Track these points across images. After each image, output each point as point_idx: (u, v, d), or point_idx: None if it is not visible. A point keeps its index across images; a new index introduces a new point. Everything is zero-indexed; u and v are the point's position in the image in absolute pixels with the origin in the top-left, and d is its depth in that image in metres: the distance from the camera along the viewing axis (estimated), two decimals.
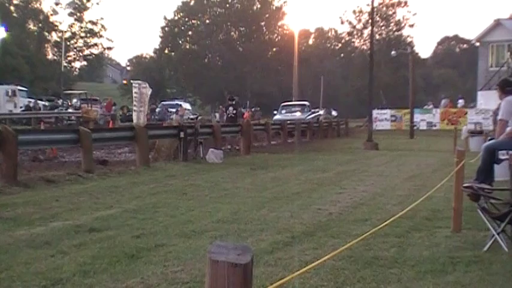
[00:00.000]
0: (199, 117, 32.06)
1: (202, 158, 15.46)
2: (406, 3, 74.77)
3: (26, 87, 43.65)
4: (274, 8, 73.03)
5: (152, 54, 76.82)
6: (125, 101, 57.09)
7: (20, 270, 4.61)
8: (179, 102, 46.07)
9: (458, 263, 4.98)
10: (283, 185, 10.48)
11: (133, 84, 24.62)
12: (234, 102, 21.01)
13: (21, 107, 37.98)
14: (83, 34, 69.74)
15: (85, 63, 73.59)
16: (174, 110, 40.23)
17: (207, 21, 73.80)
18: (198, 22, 73.95)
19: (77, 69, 73.94)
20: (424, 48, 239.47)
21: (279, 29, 73.33)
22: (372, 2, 25.91)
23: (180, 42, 74.52)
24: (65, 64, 65.30)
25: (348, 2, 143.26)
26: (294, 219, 6.91)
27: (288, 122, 25.86)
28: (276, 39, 72.69)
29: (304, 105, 33.55)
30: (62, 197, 8.42)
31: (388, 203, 8.27)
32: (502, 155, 6.67)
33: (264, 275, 4.51)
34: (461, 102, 41.57)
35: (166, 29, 73.33)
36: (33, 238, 5.72)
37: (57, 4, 65.96)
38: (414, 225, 6.60)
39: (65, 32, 66.41)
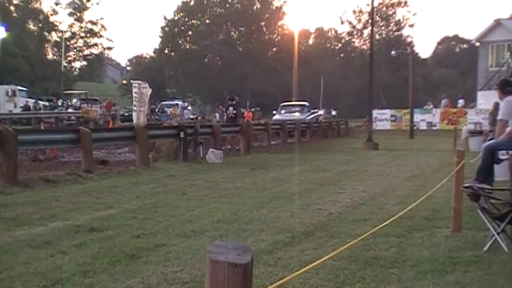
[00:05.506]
0: (199, 117, 32.08)
1: (202, 158, 15.46)
2: (406, 3, 74.99)
3: (26, 87, 43.69)
4: (274, 8, 73.03)
5: (152, 54, 76.94)
6: (125, 101, 57.15)
7: (20, 270, 4.61)
8: (179, 102, 46.22)
9: (458, 263, 4.98)
10: (283, 185, 10.48)
11: (133, 84, 24.66)
12: (234, 102, 21.00)
13: (20, 107, 38.03)
14: (83, 34, 69.79)
15: (85, 63, 73.59)
16: (170, 109, 40.68)
17: (207, 21, 73.79)
18: (198, 22, 73.95)
19: (77, 69, 73.93)
20: (424, 48, 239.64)
21: (279, 29, 73.35)
22: (372, 2, 25.90)
23: (180, 42, 74.53)
24: (65, 64, 65.30)
25: (348, 2, 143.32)
26: (294, 219, 6.91)
27: (288, 122, 25.84)
28: (276, 39, 72.71)
29: (304, 105, 33.49)
30: (61, 197, 8.41)
31: (388, 203, 8.27)
32: (502, 155, 6.67)
33: (264, 275, 4.51)
34: (461, 102, 41.59)
35: (166, 29, 73.33)
36: (33, 238, 5.72)
37: (57, 4, 66.11)
38: (414, 225, 6.60)
39: (65, 32, 66.51)
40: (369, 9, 54.66)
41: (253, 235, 6.01)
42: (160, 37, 73.84)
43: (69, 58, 69.32)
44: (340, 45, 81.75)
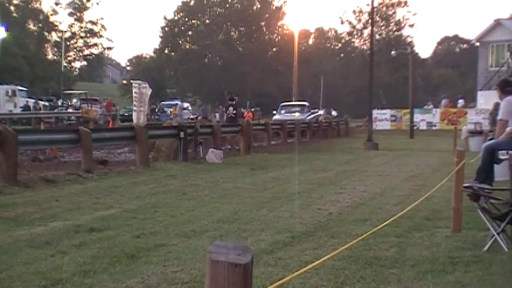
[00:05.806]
0: (200, 117, 32.04)
1: (202, 158, 15.46)
2: (406, 3, 75.06)
3: (26, 87, 43.67)
4: (274, 8, 73.06)
5: (152, 54, 76.98)
6: (125, 101, 57.16)
7: (20, 270, 4.61)
8: (178, 102, 46.25)
9: (458, 263, 4.98)
10: (283, 185, 10.48)
11: (133, 84, 24.63)
12: (234, 102, 21.01)
13: (20, 107, 38.04)
14: (83, 34, 69.76)
15: (85, 63, 73.59)
16: (170, 109, 40.81)
17: (207, 21, 73.82)
18: (198, 22, 73.97)
19: (77, 69, 73.90)
20: (424, 48, 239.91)
21: (279, 29, 73.39)
22: (372, 2, 25.90)
23: (180, 42, 74.56)
24: (65, 64, 65.25)
25: (348, 2, 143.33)
26: (294, 219, 6.91)
27: (288, 122, 25.84)
28: (276, 39, 72.74)
29: (304, 105, 33.49)
30: (62, 197, 8.41)
31: (388, 203, 8.27)
32: (502, 155, 6.67)
33: (264, 275, 4.51)
34: (461, 102, 41.56)
35: (166, 29, 73.37)
36: (33, 238, 5.72)
37: (57, 4, 66.06)
38: (414, 225, 6.60)
39: (65, 32, 66.43)
40: (369, 9, 54.68)
41: (253, 235, 6.01)
42: (160, 37, 73.95)
43: (69, 58, 69.29)
44: (340, 45, 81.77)
